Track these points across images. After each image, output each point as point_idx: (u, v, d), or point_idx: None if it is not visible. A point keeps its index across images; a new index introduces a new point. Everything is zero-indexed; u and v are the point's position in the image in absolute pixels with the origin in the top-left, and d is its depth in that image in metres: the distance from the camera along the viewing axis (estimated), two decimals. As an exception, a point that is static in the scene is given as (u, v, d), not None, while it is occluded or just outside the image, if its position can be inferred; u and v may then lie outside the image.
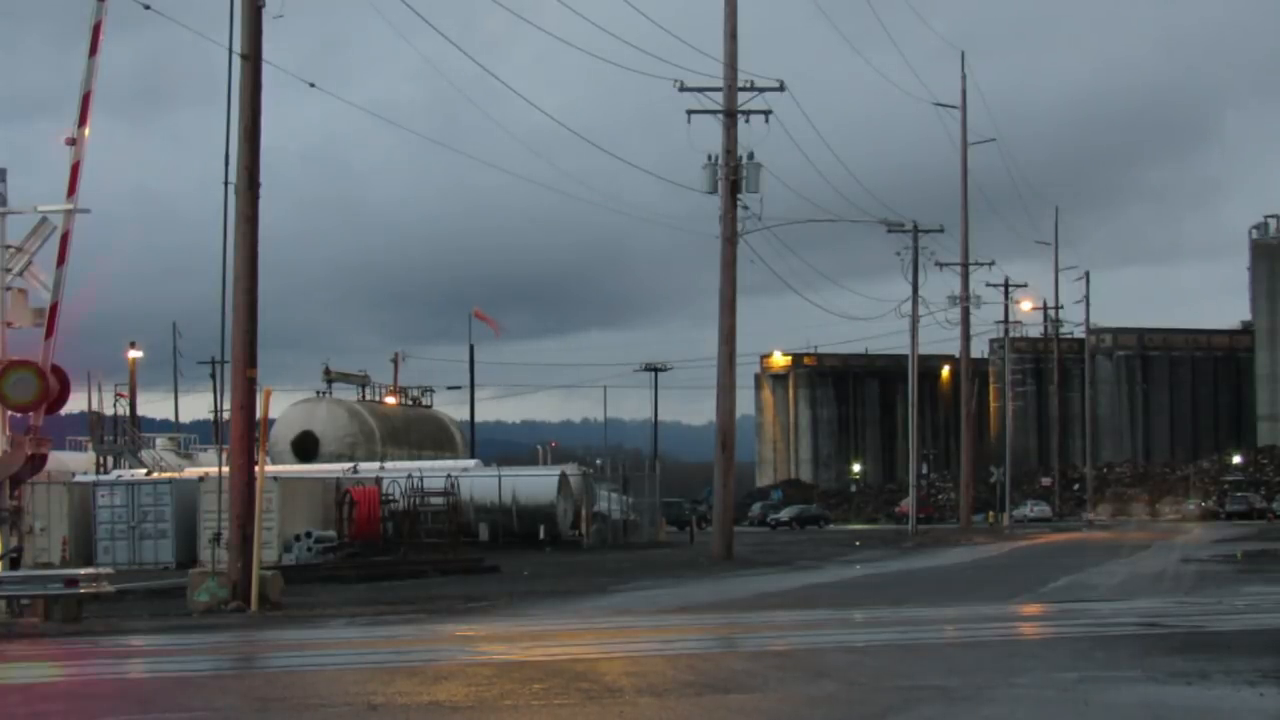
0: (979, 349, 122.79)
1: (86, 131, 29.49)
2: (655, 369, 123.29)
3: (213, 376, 78.67)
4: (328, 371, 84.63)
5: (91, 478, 61.95)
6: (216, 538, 33.00)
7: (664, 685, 16.15)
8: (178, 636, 25.42)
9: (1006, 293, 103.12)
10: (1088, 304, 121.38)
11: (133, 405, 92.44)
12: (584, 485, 65.24)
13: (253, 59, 31.40)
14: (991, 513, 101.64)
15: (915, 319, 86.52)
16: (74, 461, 74.91)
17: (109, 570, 30.82)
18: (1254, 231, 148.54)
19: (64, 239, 29.28)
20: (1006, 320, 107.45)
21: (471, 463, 72.27)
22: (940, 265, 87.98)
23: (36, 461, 29.74)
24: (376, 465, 66.28)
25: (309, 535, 50.71)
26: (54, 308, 29.32)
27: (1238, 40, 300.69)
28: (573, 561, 50.86)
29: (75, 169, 29.19)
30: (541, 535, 60.93)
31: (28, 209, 30.12)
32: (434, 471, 61.88)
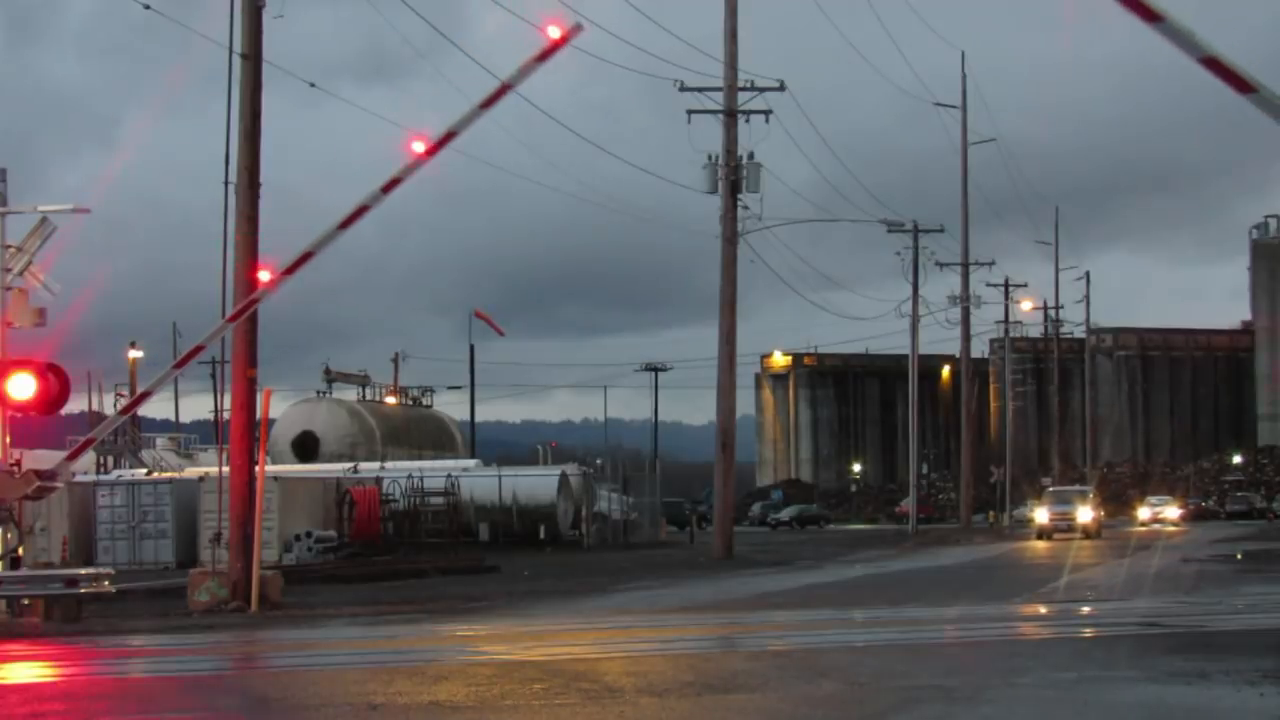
0: (979, 349, 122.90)
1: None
2: (655, 369, 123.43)
3: (213, 376, 78.68)
4: (328, 371, 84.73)
5: (91, 478, 61.92)
6: (217, 538, 33.02)
7: (664, 685, 16.14)
8: (178, 636, 25.42)
9: (1006, 293, 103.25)
10: (1088, 304, 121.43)
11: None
12: (584, 485, 65.24)
13: (253, 59, 31.42)
14: (992, 513, 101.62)
15: (915, 319, 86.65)
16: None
17: (109, 570, 30.81)
18: (1254, 231, 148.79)
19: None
20: (1007, 320, 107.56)
21: (472, 463, 72.30)
22: (940, 265, 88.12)
23: (35, 497, 29.73)
24: (377, 465, 66.33)
25: (309, 535, 50.72)
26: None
27: (1241, 37, 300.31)
28: (573, 561, 50.86)
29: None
30: (542, 535, 60.95)
31: (28, 209, 30.15)
32: (434, 471, 61.93)
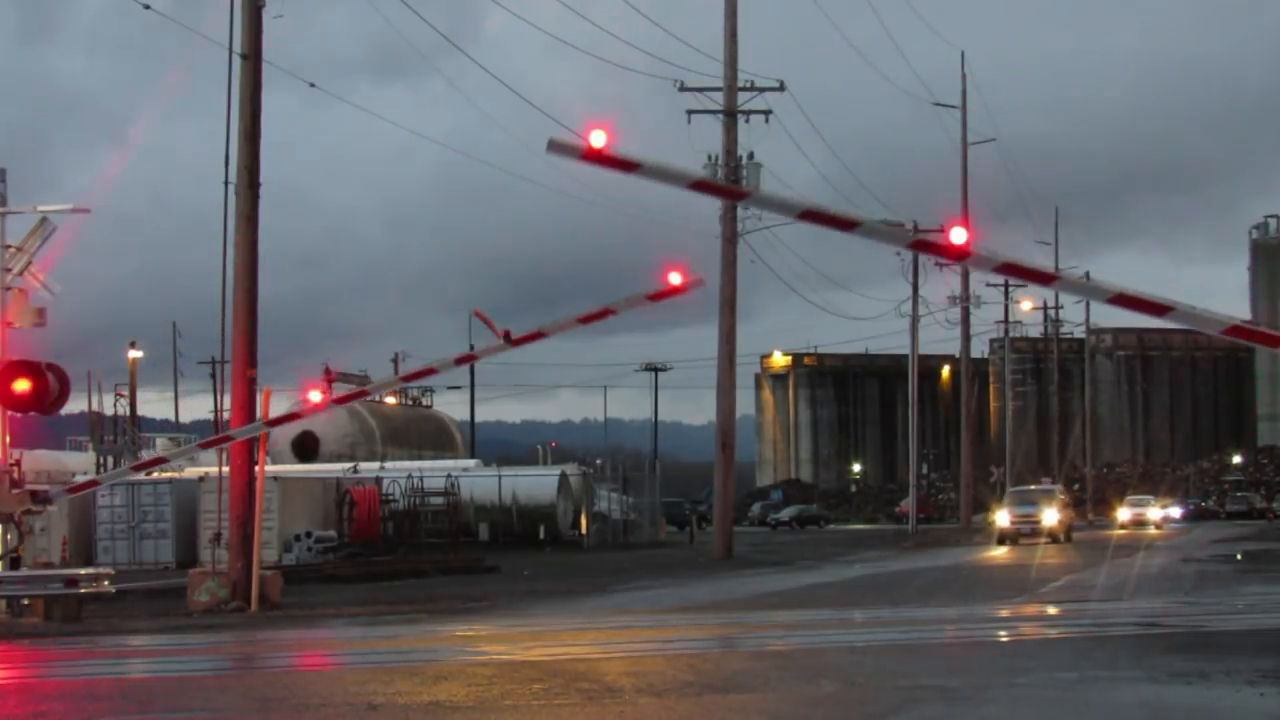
0: (979, 349, 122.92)
1: None
2: (655, 369, 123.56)
3: (213, 376, 78.74)
4: (328, 371, 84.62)
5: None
6: (216, 538, 33.03)
7: (664, 685, 16.14)
8: (178, 636, 25.43)
9: (1006, 293, 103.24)
10: (1088, 304, 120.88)
11: (133, 405, 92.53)
12: (584, 485, 65.24)
13: (253, 59, 31.43)
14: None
15: (915, 319, 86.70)
16: (74, 461, 74.82)
17: (109, 570, 30.83)
18: (1254, 231, 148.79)
19: None
20: (1006, 320, 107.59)
21: (471, 463, 72.31)
22: (940, 265, 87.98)
23: (30, 512, 29.86)
24: (376, 465, 66.30)
25: (309, 535, 50.70)
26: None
27: (1243, 33, 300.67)
28: (573, 561, 50.88)
29: None
30: (541, 535, 60.96)
31: (28, 209, 30.16)
32: (434, 471, 61.91)
